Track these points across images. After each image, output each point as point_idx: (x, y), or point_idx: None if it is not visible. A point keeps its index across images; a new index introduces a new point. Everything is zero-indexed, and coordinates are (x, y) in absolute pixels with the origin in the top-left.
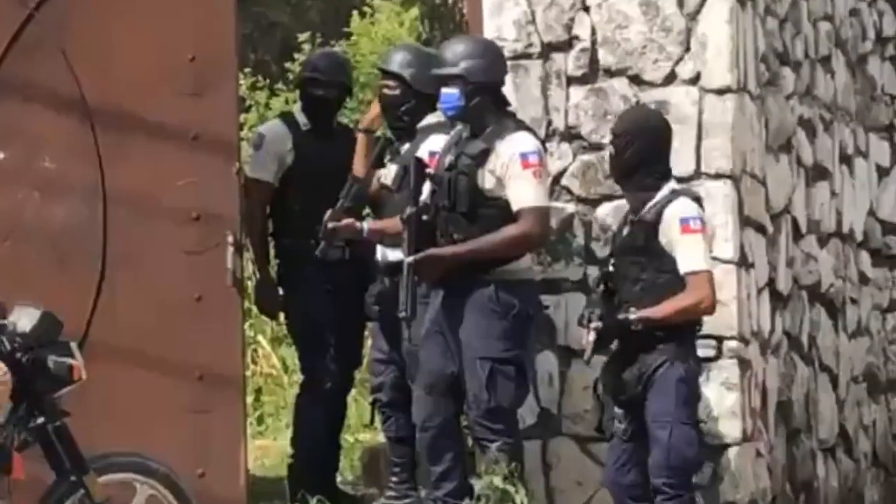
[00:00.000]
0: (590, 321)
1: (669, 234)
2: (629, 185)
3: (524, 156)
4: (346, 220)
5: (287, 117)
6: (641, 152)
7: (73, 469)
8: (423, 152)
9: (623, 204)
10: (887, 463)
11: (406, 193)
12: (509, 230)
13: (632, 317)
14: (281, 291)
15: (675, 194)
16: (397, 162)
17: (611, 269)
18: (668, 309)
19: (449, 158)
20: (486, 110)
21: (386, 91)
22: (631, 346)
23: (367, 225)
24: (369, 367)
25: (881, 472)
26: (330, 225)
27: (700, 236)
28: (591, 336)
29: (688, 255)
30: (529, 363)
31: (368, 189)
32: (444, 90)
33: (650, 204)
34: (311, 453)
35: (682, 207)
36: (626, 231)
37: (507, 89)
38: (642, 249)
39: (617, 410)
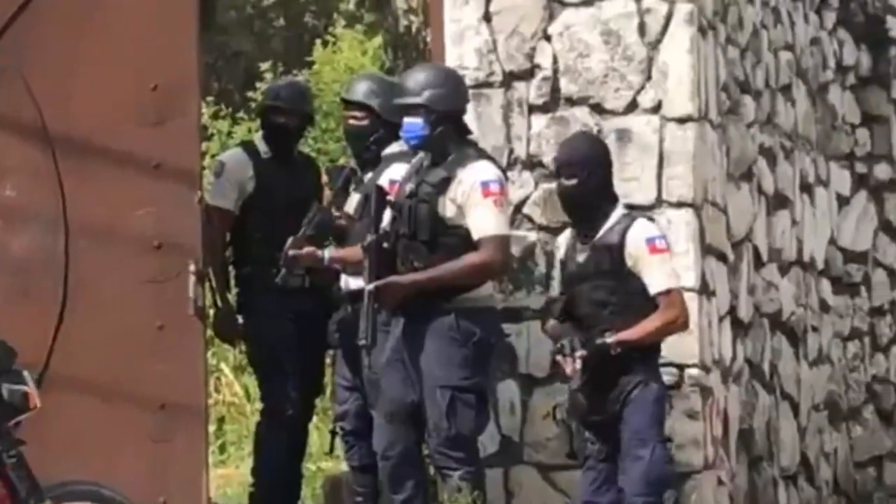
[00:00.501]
0: (573, 350)
1: (636, 255)
2: (581, 213)
3: (485, 184)
4: (308, 249)
5: (248, 145)
6: (603, 180)
7: (28, 497)
8: (384, 180)
9: None
10: (848, 491)
11: (367, 221)
12: (470, 258)
13: (609, 340)
14: (241, 319)
15: (630, 216)
16: (360, 191)
17: (560, 294)
18: (642, 330)
19: (409, 186)
20: (449, 139)
21: (353, 122)
22: (606, 368)
23: (328, 253)
24: (334, 394)
25: (842, 499)
26: (291, 253)
27: (667, 255)
28: (578, 364)
29: (658, 274)
30: (490, 391)
31: (333, 218)
32: (407, 119)
33: (606, 227)
34: (273, 481)
35: (644, 228)
36: (582, 257)
37: (469, 118)
38: (608, 273)
39: (587, 434)
